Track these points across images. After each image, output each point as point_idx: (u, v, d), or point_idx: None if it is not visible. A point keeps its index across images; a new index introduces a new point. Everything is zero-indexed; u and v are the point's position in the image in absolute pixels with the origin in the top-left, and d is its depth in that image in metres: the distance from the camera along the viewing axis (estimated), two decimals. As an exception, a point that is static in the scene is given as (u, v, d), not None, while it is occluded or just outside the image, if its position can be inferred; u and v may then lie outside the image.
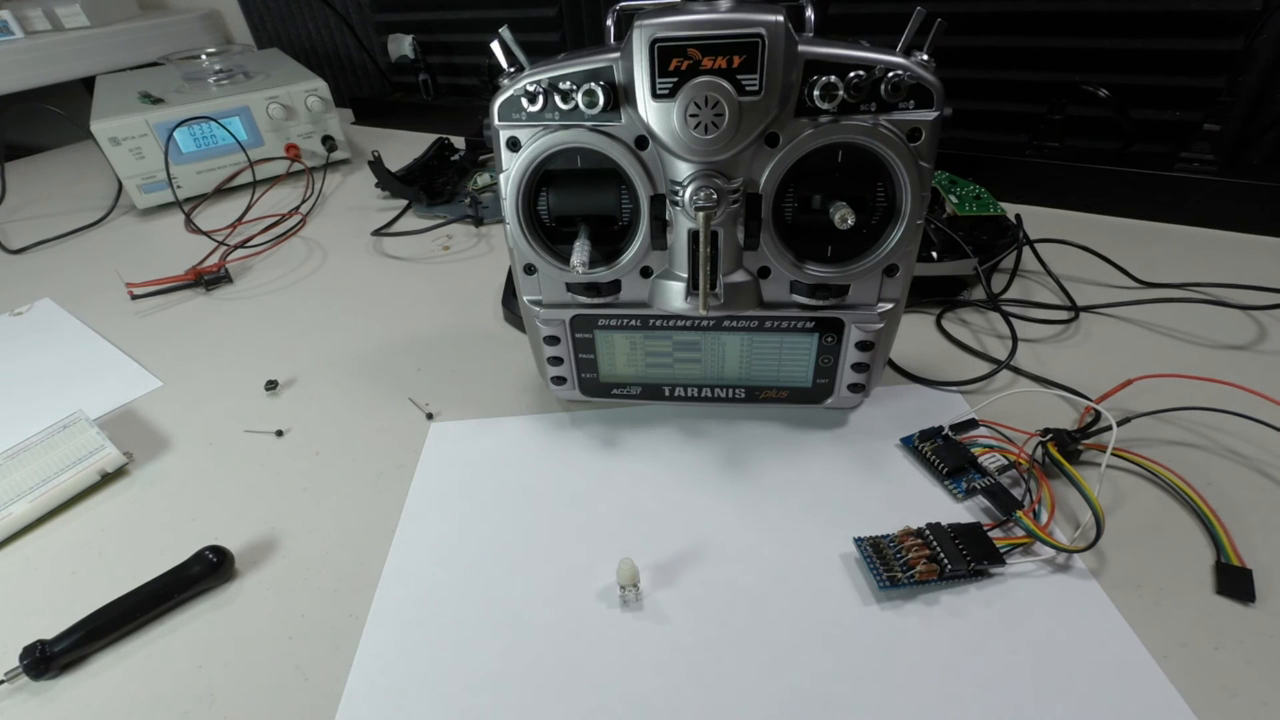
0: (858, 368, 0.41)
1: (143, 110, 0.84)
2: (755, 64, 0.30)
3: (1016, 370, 0.47)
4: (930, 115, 0.32)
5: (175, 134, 0.83)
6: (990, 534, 0.34)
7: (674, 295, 0.38)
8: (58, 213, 0.92)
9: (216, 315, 0.63)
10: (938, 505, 0.38)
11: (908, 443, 0.41)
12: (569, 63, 0.33)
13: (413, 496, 0.41)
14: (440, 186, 0.82)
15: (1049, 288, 0.56)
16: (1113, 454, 0.38)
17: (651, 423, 0.45)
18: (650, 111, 0.32)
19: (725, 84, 0.30)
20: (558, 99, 0.33)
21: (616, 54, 0.32)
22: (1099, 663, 0.30)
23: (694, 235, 0.35)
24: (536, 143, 0.34)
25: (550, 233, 0.38)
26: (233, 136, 0.87)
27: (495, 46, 0.34)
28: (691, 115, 0.31)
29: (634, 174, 0.34)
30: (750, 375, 0.43)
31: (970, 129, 0.75)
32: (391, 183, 0.81)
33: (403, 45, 1.07)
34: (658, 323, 0.41)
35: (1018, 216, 0.57)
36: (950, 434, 0.41)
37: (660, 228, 0.36)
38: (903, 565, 0.33)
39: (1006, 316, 0.51)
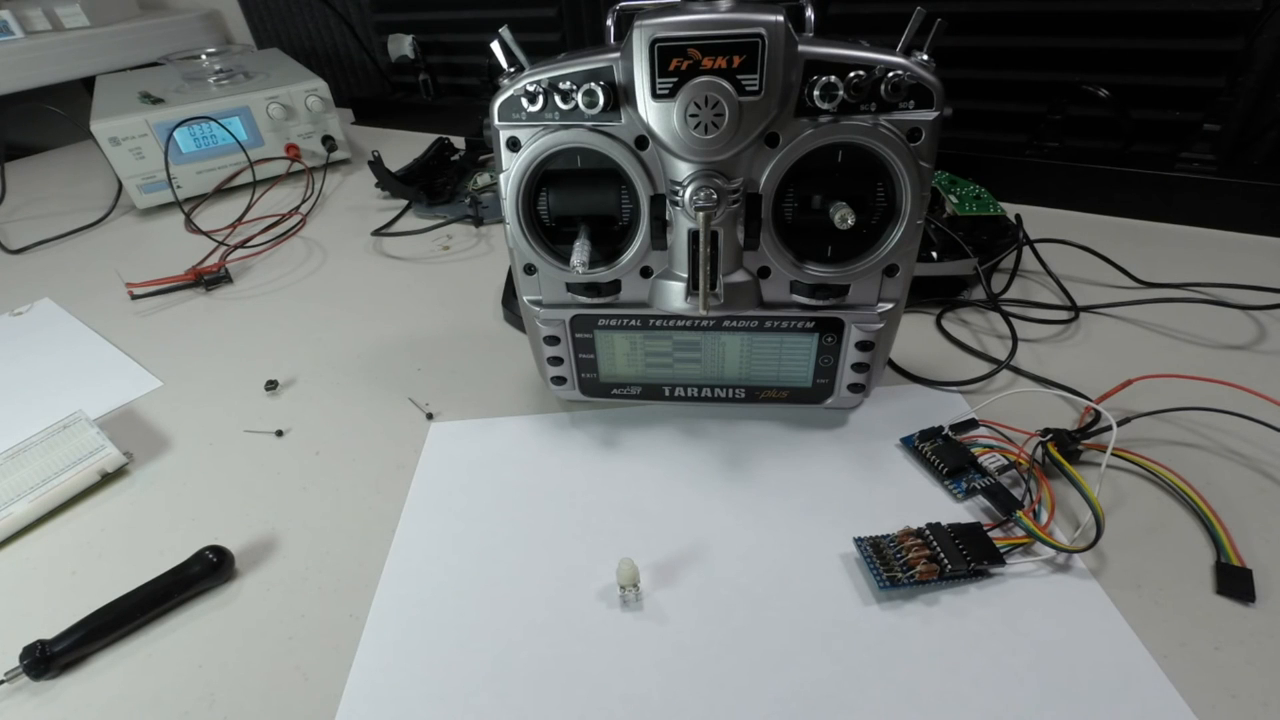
0: (858, 368, 0.41)
1: (143, 110, 0.84)
2: (755, 64, 0.30)
3: (1016, 370, 0.47)
4: (930, 115, 0.32)
5: (175, 134, 0.83)
6: (990, 534, 0.34)
7: (674, 295, 0.38)
8: (58, 213, 0.92)
9: (216, 315, 0.63)
10: (938, 505, 0.38)
11: (908, 443, 0.41)
12: (569, 63, 0.33)
13: (413, 496, 0.41)
14: (440, 186, 0.82)
15: (1049, 288, 0.56)
16: (1113, 454, 0.38)
17: (651, 423, 0.45)
18: (650, 111, 0.32)
19: (725, 84, 0.30)
20: (558, 99, 0.33)
21: (616, 54, 0.32)
22: (1099, 663, 0.30)
23: (694, 235, 0.35)
24: (536, 143, 0.34)
25: (550, 233, 0.38)
26: (233, 136, 0.87)
27: (495, 46, 0.34)
28: (691, 115, 0.31)
29: (634, 174, 0.34)
30: (750, 375, 0.43)
31: (970, 129, 0.75)
32: (391, 183, 0.81)
33: (403, 45, 1.07)
34: (658, 323, 0.41)
35: (1018, 216, 0.57)
36: (950, 434, 0.41)
37: (660, 228, 0.36)
38: (903, 565, 0.33)
39: (1006, 316, 0.51)
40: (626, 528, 0.38)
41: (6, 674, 0.32)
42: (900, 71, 0.30)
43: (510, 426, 0.46)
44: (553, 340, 0.42)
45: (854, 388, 0.42)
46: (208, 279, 0.67)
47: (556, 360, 0.43)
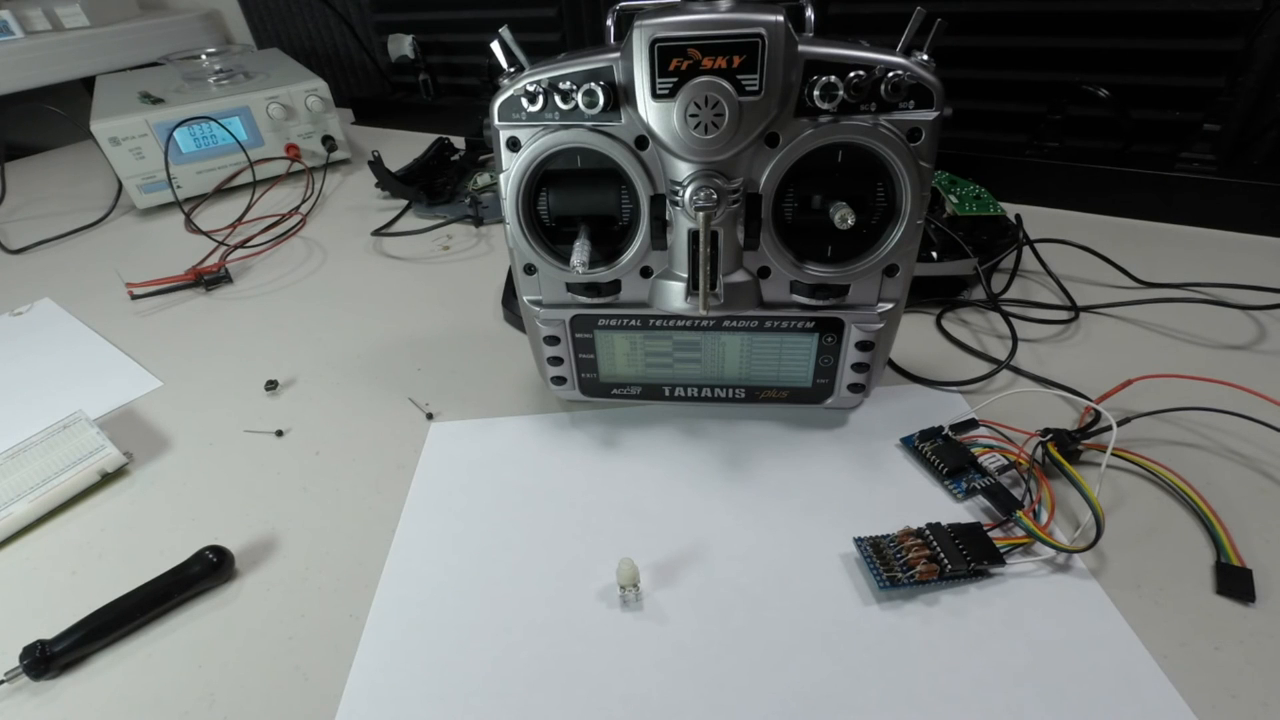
0: (858, 368, 0.41)
1: (143, 110, 0.84)
2: (755, 64, 0.30)
3: (1016, 370, 0.47)
4: (930, 115, 0.32)
5: (175, 134, 0.83)
6: (990, 534, 0.34)
7: (674, 295, 0.38)
8: (58, 213, 0.92)
9: (216, 315, 0.63)
10: (938, 505, 0.38)
11: (908, 443, 0.41)
12: (569, 63, 0.33)
13: (413, 496, 0.41)
14: (440, 186, 0.82)
15: (1049, 288, 0.56)
16: (1113, 454, 0.38)
17: (651, 423, 0.45)
18: (650, 111, 0.32)
19: (725, 84, 0.30)
20: (558, 99, 0.33)
21: (616, 54, 0.32)
22: (1099, 663, 0.30)
23: (694, 235, 0.35)
24: (536, 143, 0.34)
25: (550, 233, 0.38)
26: (233, 136, 0.87)
27: (495, 46, 0.34)
28: (691, 115, 0.31)
29: (634, 174, 0.34)
30: (750, 375, 0.43)
31: (970, 129, 0.75)
32: (391, 183, 0.81)
33: (403, 45, 1.07)
34: (658, 323, 0.41)
35: (1018, 216, 0.57)
36: (950, 434, 0.41)
37: (660, 228, 0.36)
38: (903, 565, 0.33)
39: (1006, 316, 0.51)
40: (626, 528, 0.38)
41: (6, 674, 0.32)
42: (900, 71, 0.30)
43: (510, 426, 0.46)
44: (553, 340, 0.42)
45: (854, 388, 0.42)
46: (208, 279, 0.67)
47: (556, 360, 0.43)
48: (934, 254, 0.52)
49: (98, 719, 0.31)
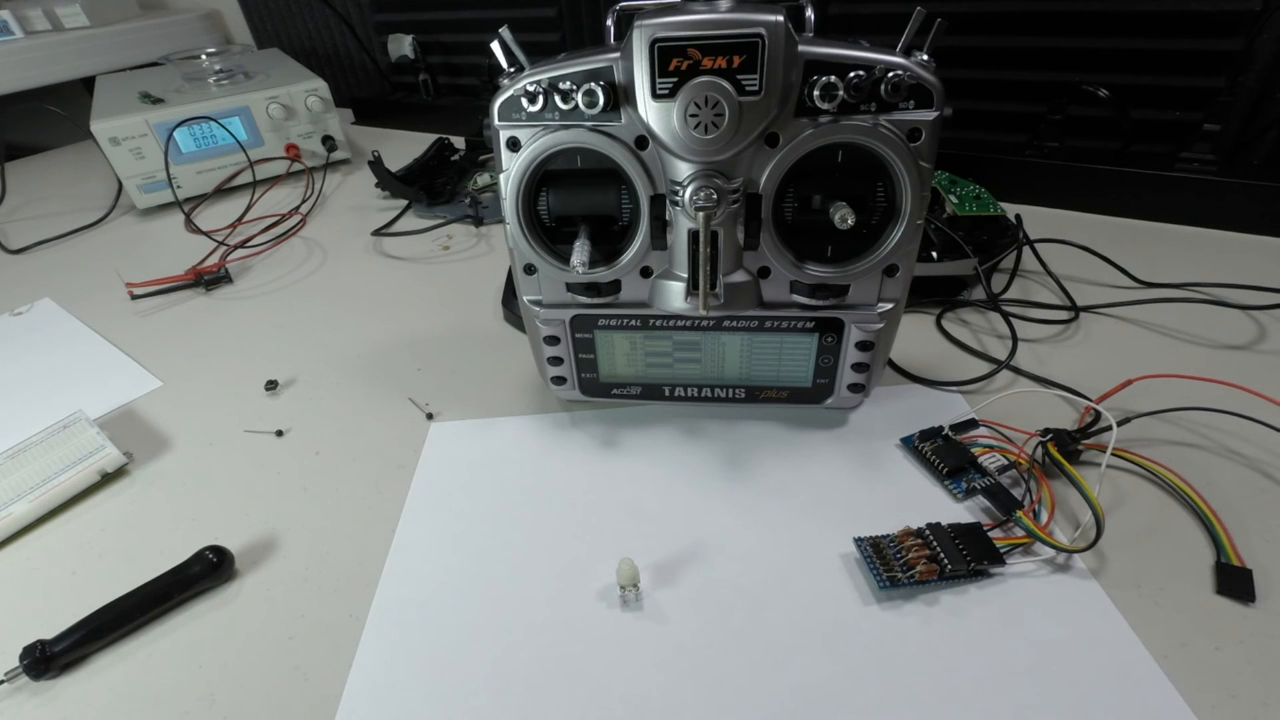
0: (858, 368, 0.41)
1: (143, 110, 0.84)
2: (755, 64, 0.30)
3: (1016, 370, 0.47)
4: (930, 115, 0.32)
5: (175, 134, 0.83)
6: (990, 534, 0.34)
7: (674, 295, 0.38)
8: (58, 213, 0.92)
9: (216, 315, 0.63)
10: (938, 505, 0.38)
11: (908, 443, 0.41)
12: (569, 63, 0.33)
13: (413, 496, 0.41)
14: (440, 186, 0.82)
15: (1049, 288, 0.56)
16: (1113, 454, 0.38)
17: (651, 423, 0.45)
18: (650, 111, 0.32)
19: (725, 84, 0.30)
20: (558, 99, 0.33)
21: (616, 54, 0.32)
22: (1099, 663, 0.30)
23: (694, 235, 0.35)
24: (536, 143, 0.34)
25: (550, 233, 0.38)
26: (233, 136, 0.87)
27: (495, 46, 0.34)
28: (691, 115, 0.31)
29: (634, 174, 0.34)
30: (750, 375, 0.43)
31: (970, 129, 0.75)
32: (391, 183, 0.81)
33: (403, 45, 1.07)
34: (658, 323, 0.41)
35: (1018, 216, 0.57)
36: (950, 434, 0.41)
37: (660, 228, 0.36)
38: (903, 565, 0.33)
39: (1006, 316, 0.51)
40: (626, 528, 0.38)
41: (6, 674, 0.32)
42: (900, 71, 0.30)
43: (510, 426, 0.46)
44: (553, 340, 0.42)
45: (854, 388, 0.42)
46: (208, 279, 0.67)
47: (556, 360, 0.43)
48: (934, 254, 0.52)
49: (98, 719, 0.31)
